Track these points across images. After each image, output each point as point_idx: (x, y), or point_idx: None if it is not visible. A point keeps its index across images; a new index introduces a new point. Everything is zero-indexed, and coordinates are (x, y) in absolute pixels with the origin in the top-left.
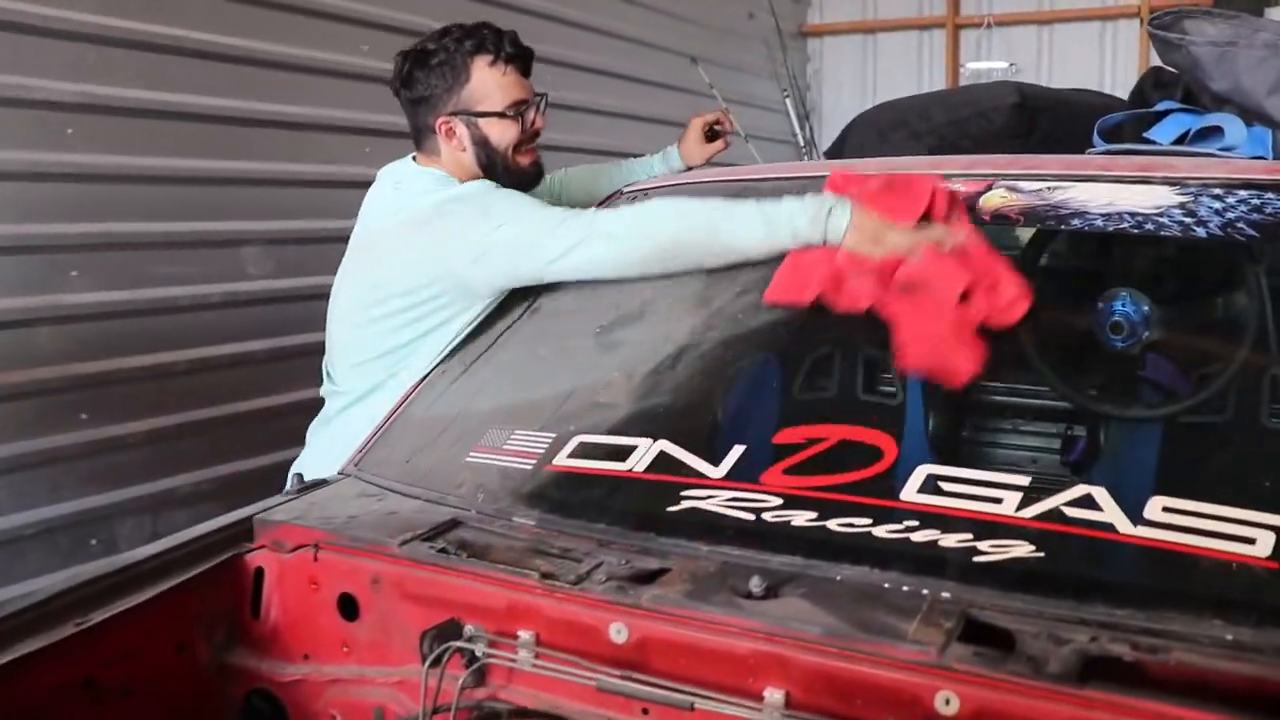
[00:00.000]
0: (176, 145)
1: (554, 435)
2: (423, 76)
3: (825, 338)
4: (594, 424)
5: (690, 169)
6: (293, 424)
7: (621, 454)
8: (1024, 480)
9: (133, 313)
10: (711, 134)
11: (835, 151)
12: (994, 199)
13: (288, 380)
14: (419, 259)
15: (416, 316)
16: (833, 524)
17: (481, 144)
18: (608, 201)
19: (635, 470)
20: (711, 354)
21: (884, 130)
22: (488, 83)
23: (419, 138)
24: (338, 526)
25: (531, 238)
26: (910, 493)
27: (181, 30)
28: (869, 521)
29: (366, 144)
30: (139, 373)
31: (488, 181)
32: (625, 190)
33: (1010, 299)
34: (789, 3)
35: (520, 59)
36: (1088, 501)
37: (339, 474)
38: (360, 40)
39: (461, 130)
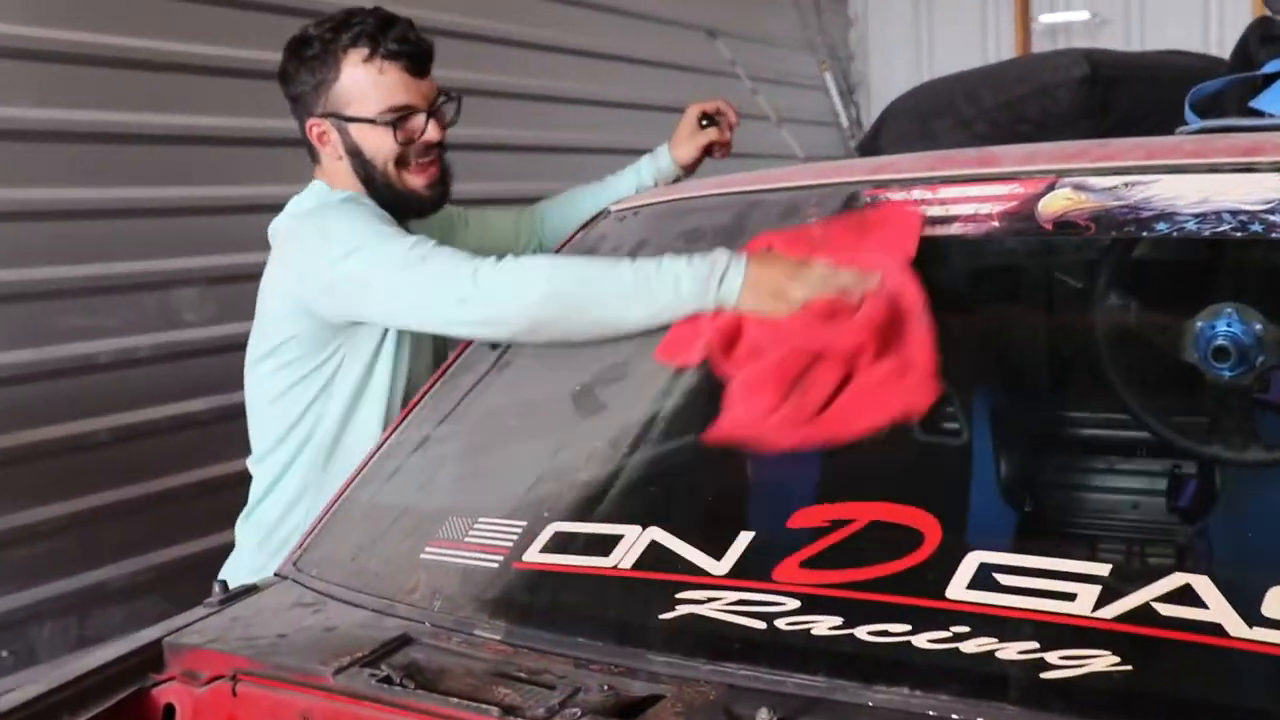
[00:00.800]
0: (90, 171)
1: (524, 524)
2: (294, 70)
3: None
4: (572, 508)
5: (686, 168)
6: (246, 496)
7: (605, 546)
8: (1102, 568)
9: (43, 374)
10: (710, 122)
11: (870, 145)
12: (1057, 202)
13: (238, 444)
14: (273, 291)
15: (300, 372)
16: (862, 632)
17: (354, 154)
18: (589, 226)
19: (621, 567)
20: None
21: (925, 117)
22: (360, 82)
23: (304, 139)
24: (262, 650)
25: (380, 282)
26: (959, 588)
27: (88, 35)
28: (908, 628)
29: None
30: (54, 445)
31: (346, 196)
32: (612, 209)
33: (915, 382)
34: None
35: (407, 56)
36: (1187, 595)
37: (275, 575)
38: None
39: (334, 136)
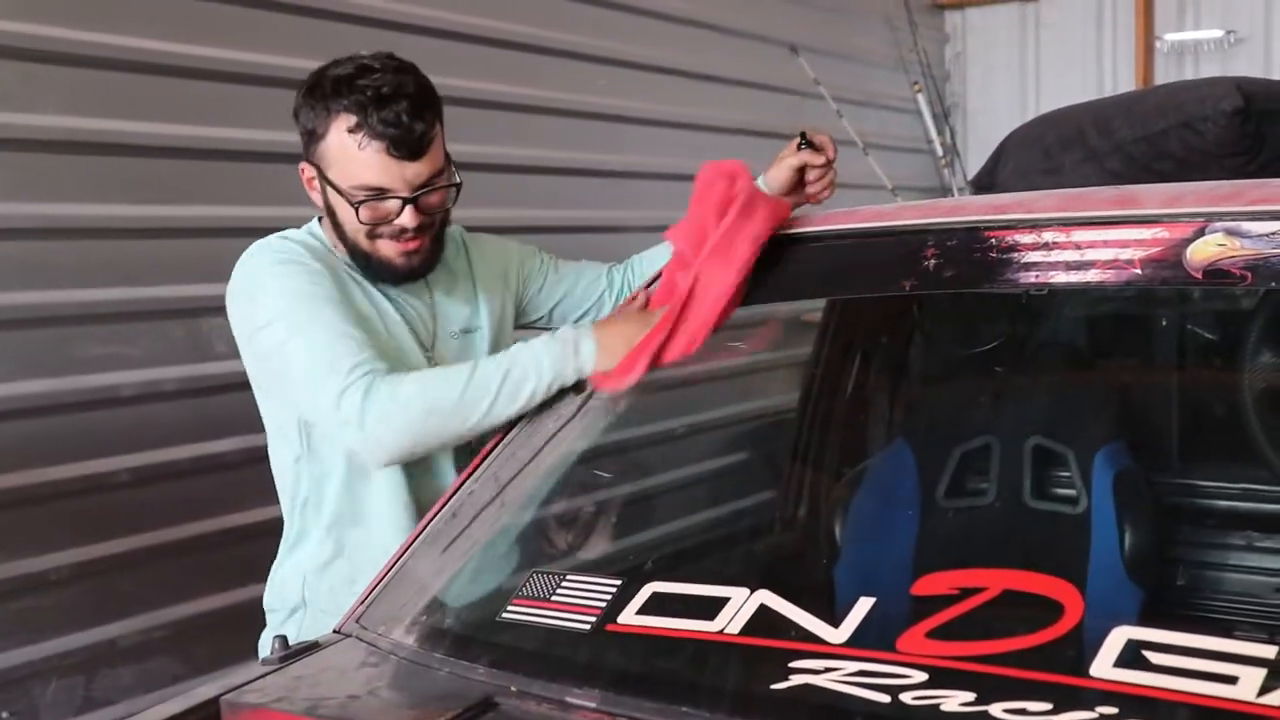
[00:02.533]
0: (116, 187)
1: (619, 583)
2: (299, 106)
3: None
4: (672, 567)
5: (786, 198)
6: (277, 546)
7: (709, 609)
8: (1265, 650)
9: (59, 407)
10: (807, 144)
11: (986, 180)
12: (1208, 248)
13: (268, 490)
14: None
15: (274, 425)
16: (998, 710)
17: (328, 210)
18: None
19: (727, 632)
20: (818, 456)
21: (1051, 150)
22: (340, 149)
23: None
24: (333, 711)
25: (307, 369)
26: (1104, 666)
27: (119, 38)
28: (1048, 707)
29: None
30: (68, 486)
31: (296, 256)
32: None
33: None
34: None
35: (391, 140)
36: None
37: (335, 632)
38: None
39: (318, 185)
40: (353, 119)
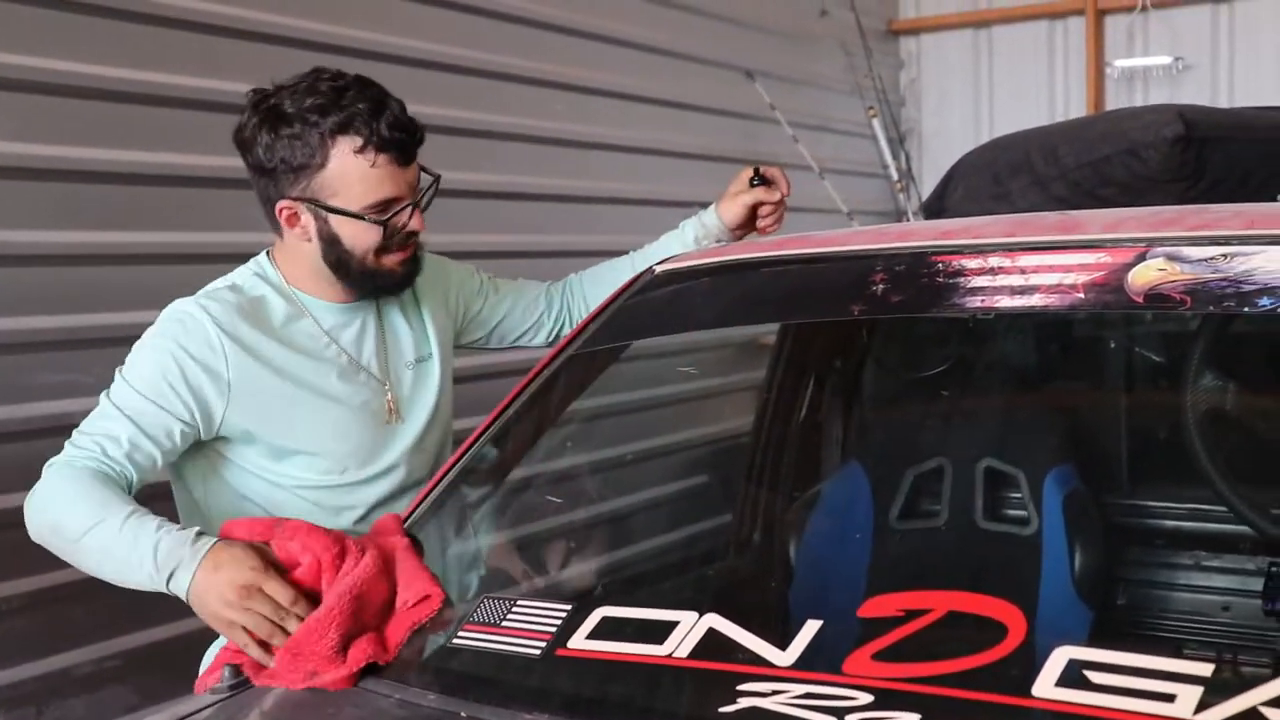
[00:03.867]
0: (71, 214)
1: (569, 607)
2: (268, 143)
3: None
4: (621, 591)
5: (733, 230)
6: None
7: (658, 633)
8: (1202, 668)
9: (13, 435)
10: (760, 181)
11: (936, 205)
12: (1149, 273)
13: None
14: None
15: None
16: None
17: (329, 241)
18: (631, 287)
19: (676, 655)
20: (771, 479)
21: (999, 176)
22: (348, 173)
23: (264, 211)
24: None
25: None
26: (1046, 686)
27: (113, 70)
28: None
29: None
30: (20, 515)
31: (200, 307)
32: (657, 268)
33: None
34: None
35: (399, 146)
36: None
37: None
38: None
39: (307, 219)
40: (358, 140)
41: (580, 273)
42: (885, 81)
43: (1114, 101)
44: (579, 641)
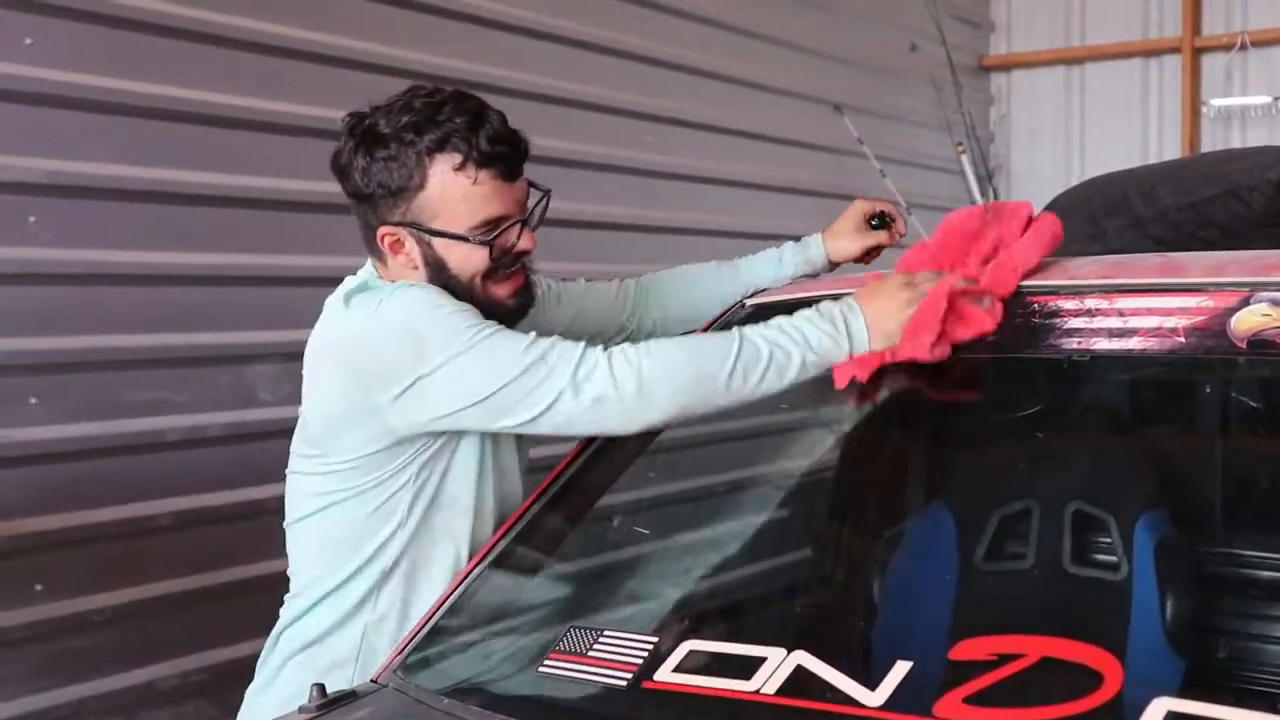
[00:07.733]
0: (167, 236)
1: (656, 639)
2: (364, 167)
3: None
4: (710, 625)
5: (836, 266)
6: None
7: (746, 668)
8: None
9: (104, 451)
10: (880, 224)
11: None
12: (1252, 318)
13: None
14: (331, 398)
15: (360, 484)
16: None
17: (436, 267)
18: (721, 321)
19: (763, 692)
20: (855, 516)
21: (1096, 215)
22: (449, 193)
23: (365, 238)
24: None
25: (481, 387)
26: None
27: (172, 89)
28: None
29: None
30: (111, 529)
31: (424, 292)
32: (748, 303)
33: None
34: (965, 29)
35: (502, 160)
36: None
37: (372, 683)
38: None
39: (411, 245)
40: (457, 157)
41: (654, 275)
42: (974, 117)
43: (1210, 142)
44: (665, 674)
